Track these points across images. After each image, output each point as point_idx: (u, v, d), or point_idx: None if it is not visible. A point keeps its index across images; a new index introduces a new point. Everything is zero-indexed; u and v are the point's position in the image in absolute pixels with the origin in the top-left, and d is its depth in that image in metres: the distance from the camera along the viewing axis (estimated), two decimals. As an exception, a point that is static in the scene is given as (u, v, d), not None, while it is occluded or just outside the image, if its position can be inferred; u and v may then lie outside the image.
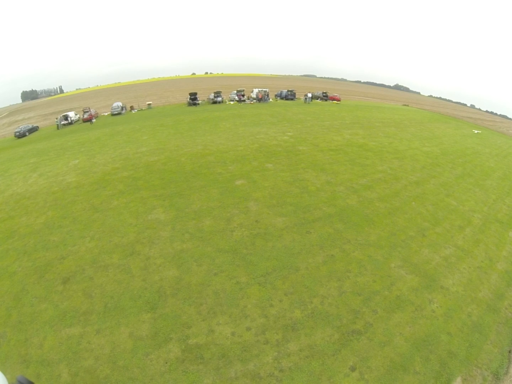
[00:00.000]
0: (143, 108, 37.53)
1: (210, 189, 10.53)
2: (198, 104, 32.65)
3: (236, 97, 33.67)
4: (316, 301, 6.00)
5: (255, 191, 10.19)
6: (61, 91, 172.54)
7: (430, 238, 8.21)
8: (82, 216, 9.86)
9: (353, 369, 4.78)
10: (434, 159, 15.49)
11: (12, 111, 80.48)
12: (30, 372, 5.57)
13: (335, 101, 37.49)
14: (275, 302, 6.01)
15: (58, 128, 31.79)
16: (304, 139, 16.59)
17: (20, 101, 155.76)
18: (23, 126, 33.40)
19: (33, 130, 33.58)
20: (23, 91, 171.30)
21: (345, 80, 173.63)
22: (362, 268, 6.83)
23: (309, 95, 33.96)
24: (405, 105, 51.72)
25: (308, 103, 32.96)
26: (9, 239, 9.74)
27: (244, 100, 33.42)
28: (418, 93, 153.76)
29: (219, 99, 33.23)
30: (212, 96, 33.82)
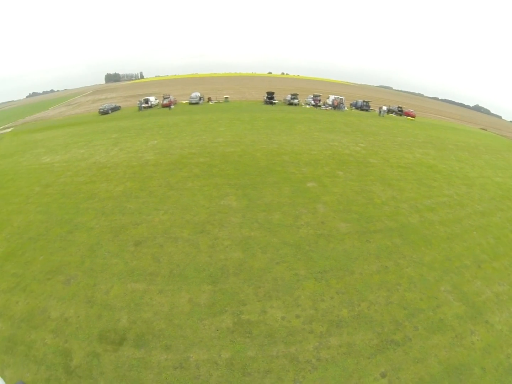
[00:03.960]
0: (220, 101, 55.84)
1: (282, 186, 16.91)
2: (275, 103, 50.64)
3: (312, 102, 51.60)
4: (363, 305, 9.75)
5: (324, 195, 16.23)
6: (142, 77, 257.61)
7: (485, 271, 12.03)
8: (158, 191, 17.43)
9: (383, 375, 7.86)
10: (506, 192, 20.96)
11: (96, 90, 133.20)
12: (94, 311, 10.57)
13: (409, 117, 53.60)
14: (327, 298, 10.00)
15: (139, 109, 51.88)
16: (375, 152, 24.53)
17: (103, 82, 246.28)
18: (107, 105, 56.58)
19: (115, 109, 56.16)
20: (107, 74, 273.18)
21: (422, 95, 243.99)
22: (412, 285, 10.63)
23: (384, 108, 51.04)
24: (483, 129, 70.92)
25: (383, 116, 48.63)
26: (90, 199, 17.85)
27: (319, 106, 50.85)
28: (500, 117, 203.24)
29: (295, 101, 50.67)
30: (288, 97, 51.71)
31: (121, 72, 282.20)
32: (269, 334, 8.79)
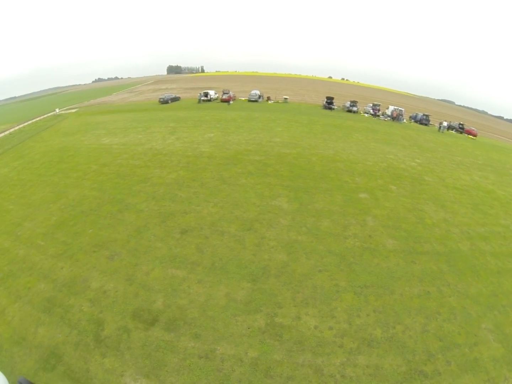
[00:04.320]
0: (279, 101, 57.38)
1: (334, 194, 17.51)
2: (333, 109, 52.09)
3: (371, 111, 52.11)
4: (398, 328, 9.78)
5: (375, 208, 16.50)
6: (202, 71, 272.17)
7: (534, 316, 11.32)
8: (210, 183, 18.55)
9: (406, 406, 7.92)
10: None
11: (158, 80, 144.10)
12: (132, 289, 11.48)
13: (470, 136, 51.90)
14: (363, 314, 10.13)
15: (198, 102, 55.30)
16: (431, 170, 24.60)
17: (165, 73, 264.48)
18: (167, 94, 61.13)
19: (175, 99, 60.64)
20: (169, 65, 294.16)
21: (486, 113, 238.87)
22: (452, 316, 10.45)
23: (445, 123, 50.22)
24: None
25: (442, 132, 48.28)
26: (142, 183, 19.44)
27: (378, 115, 51.34)
28: None
29: (354, 108, 51.82)
30: (348, 104, 53.19)
31: (182, 65, 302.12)
32: (299, 341, 9.12)
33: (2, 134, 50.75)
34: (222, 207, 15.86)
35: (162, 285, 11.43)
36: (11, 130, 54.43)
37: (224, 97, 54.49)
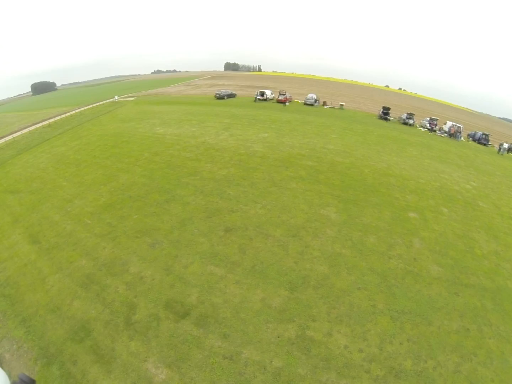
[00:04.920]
0: (335, 107, 56.96)
1: (383, 210, 17.24)
2: (389, 120, 51.76)
3: (428, 125, 51.17)
4: (430, 363, 9.41)
5: (423, 230, 16.03)
6: (259, 70, 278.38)
7: None
8: (260, 184, 18.86)
9: None
10: None
11: (215, 76, 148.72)
12: (168, 279, 11.96)
13: None
14: (396, 342, 9.89)
15: (254, 101, 57.06)
16: (486, 195, 23.41)
17: (222, 69, 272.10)
18: (223, 90, 63.57)
19: (231, 96, 62.80)
20: (226, 62, 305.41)
21: None
22: (488, 359, 9.89)
23: (506, 145, 46.91)
24: None
25: (502, 154, 45.50)
26: (192, 176, 20.25)
27: (435, 130, 50.50)
28: None
29: (410, 121, 51.13)
30: (404, 116, 52.53)
31: (240, 62, 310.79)
32: (326, 358, 9.13)
33: (64, 116, 55.91)
34: (269, 209, 16.17)
35: (199, 280, 11.80)
36: (72, 112, 59.86)
37: (280, 98, 55.57)
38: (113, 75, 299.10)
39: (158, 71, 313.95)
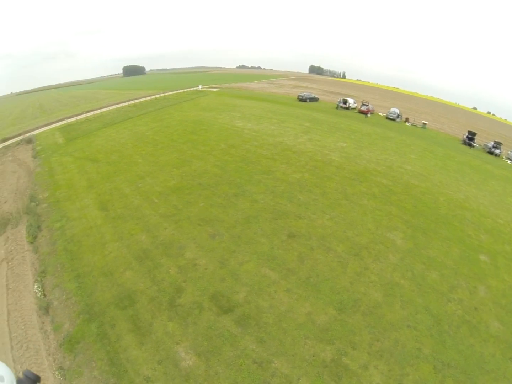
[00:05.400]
0: (417, 125, 54.49)
1: (452, 245, 16.11)
2: (473, 146, 48.73)
3: None
4: None
5: (492, 277, 14.62)
6: (343, 76, 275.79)
7: None
8: (332, 194, 18.66)
9: None
10: None
11: (299, 77, 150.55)
12: (221, 272, 12.25)
13: None
14: None
15: (336, 107, 56.84)
16: None
17: (307, 71, 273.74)
18: (306, 93, 64.15)
19: (314, 99, 63.12)
20: (311, 65, 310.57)
21: None
22: None
23: None
24: None
25: None
26: (265, 174, 20.66)
27: None
28: None
29: (497, 151, 46.92)
30: (490, 144, 48.80)
31: (324, 67, 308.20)
32: None
33: (149, 98, 60.48)
34: (336, 222, 15.98)
35: (250, 280, 11.93)
36: (157, 95, 64.28)
37: (363, 108, 54.78)
38: (199, 65, 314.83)
39: (243, 66, 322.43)
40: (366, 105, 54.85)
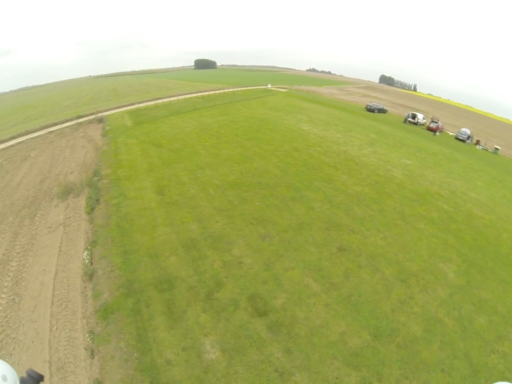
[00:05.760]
0: (488, 149, 50.04)
1: (508, 290, 14.53)
2: None
3: None
4: None
5: None
6: (414, 89, 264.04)
7: None
8: (389, 213, 17.85)
9: None
10: None
11: (368, 86, 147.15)
12: (264, 275, 12.08)
13: None
14: None
15: (404, 122, 54.70)
16: None
17: (377, 81, 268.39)
18: (375, 104, 62.96)
19: (382, 111, 61.53)
20: (382, 74, 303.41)
21: None
22: None
23: None
24: None
25: None
26: (325, 182, 20.28)
27: None
28: None
29: None
30: None
31: (395, 77, 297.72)
32: None
33: (217, 92, 62.18)
34: (389, 243, 15.13)
35: (292, 287, 11.70)
36: (226, 90, 65.59)
37: (432, 125, 52.17)
38: (270, 64, 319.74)
39: (314, 70, 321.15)
40: (436, 122, 52.36)
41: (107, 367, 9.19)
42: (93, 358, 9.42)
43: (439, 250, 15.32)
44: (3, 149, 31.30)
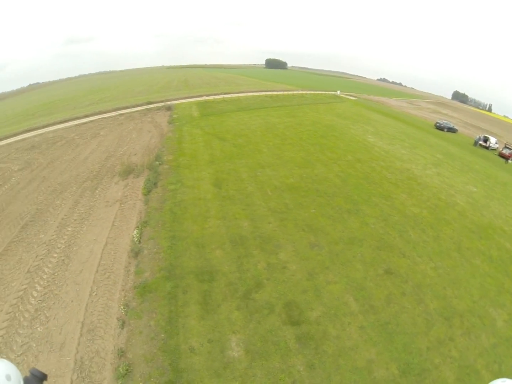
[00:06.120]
0: None
1: None
2: None
3: None
4: None
5: None
6: (489, 109, 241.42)
7: None
8: (445, 242, 16.46)
9: None
10: None
11: (440, 102, 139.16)
12: (304, 284, 11.83)
13: None
14: None
15: (474, 144, 50.76)
16: None
17: (449, 97, 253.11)
18: (445, 122, 58.95)
19: (452, 130, 57.47)
20: (455, 91, 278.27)
21: None
22: None
23: None
24: None
25: None
26: (383, 199, 19.35)
27: None
28: None
29: None
30: None
31: (470, 95, 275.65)
32: None
33: (286, 92, 62.38)
34: (439, 275, 13.96)
35: (330, 302, 11.35)
36: (295, 92, 65.39)
37: (505, 152, 47.14)
38: (340, 70, 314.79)
39: (384, 80, 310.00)
40: (510, 149, 47.06)
41: (133, 340, 9.67)
42: (122, 329, 10.02)
43: (492, 293, 13.83)
44: (77, 125, 33.88)
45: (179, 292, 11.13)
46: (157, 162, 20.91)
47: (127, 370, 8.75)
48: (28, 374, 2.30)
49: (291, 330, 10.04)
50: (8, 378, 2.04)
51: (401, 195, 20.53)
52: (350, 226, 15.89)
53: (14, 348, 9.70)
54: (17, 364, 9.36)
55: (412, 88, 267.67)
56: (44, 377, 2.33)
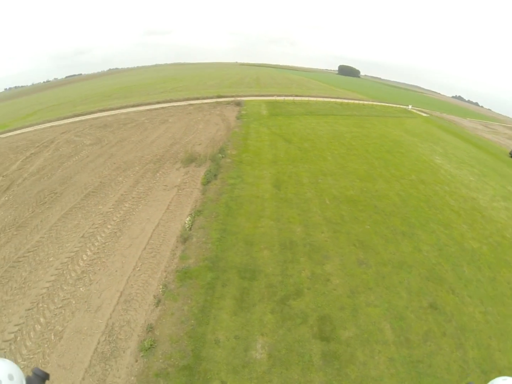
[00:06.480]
0: None
1: None
2: None
3: None
4: None
5: None
6: None
7: None
8: (500, 285, 14.79)
9: None
10: None
11: None
12: (344, 301, 11.73)
13: None
14: None
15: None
16: None
17: None
18: None
19: None
20: None
21: None
22: None
23: None
24: None
25: None
26: (442, 226, 18.12)
27: None
28: None
29: None
30: None
31: None
32: None
33: (355, 101, 61.38)
34: (487, 321, 12.45)
35: (365, 325, 10.99)
36: (365, 102, 64.80)
37: None
38: (414, 84, 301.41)
39: (459, 98, 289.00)
40: None
41: (163, 320, 10.22)
42: (156, 306, 10.67)
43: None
44: (148, 110, 35.83)
45: (218, 284, 11.49)
46: (220, 155, 21.51)
47: (151, 345, 9.37)
48: (30, 374, 2.44)
49: (319, 345, 9.92)
50: (11, 377, 2.10)
51: (461, 225, 19.02)
52: (402, 249, 15.17)
53: (56, 300, 10.84)
54: (54, 316, 10.52)
55: (489, 109, 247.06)
56: (46, 376, 2.43)
